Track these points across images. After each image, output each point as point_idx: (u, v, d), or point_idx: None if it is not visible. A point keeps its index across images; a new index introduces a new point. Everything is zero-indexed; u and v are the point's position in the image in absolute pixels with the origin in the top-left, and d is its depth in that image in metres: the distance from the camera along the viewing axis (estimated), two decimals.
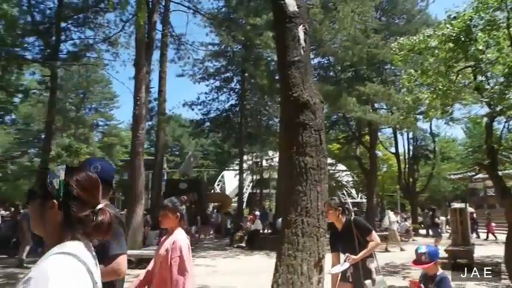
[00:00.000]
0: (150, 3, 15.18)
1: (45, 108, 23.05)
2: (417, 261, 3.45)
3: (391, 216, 16.09)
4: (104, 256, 1.93)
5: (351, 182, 36.11)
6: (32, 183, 37.61)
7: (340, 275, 4.12)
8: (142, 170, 13.11)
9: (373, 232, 4.05)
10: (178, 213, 3.02)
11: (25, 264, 10.16)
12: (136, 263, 9.79)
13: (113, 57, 19.43)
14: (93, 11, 17.78)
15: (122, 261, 2.20)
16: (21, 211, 13.08)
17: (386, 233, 15.58)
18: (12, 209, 14.63)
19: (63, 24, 17.26)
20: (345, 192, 35.63)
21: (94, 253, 1.27)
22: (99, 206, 1.23)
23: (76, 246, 1.17)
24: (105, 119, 48.31)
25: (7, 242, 12.61)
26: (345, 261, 3.97)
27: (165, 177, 29.13)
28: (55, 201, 1.19)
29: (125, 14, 17.92)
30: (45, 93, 20.43)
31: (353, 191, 37.84)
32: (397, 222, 16.53)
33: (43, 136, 35.22)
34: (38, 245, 10.17)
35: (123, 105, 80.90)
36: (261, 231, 18.32)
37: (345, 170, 33.99)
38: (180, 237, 2.93)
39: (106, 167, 2.35)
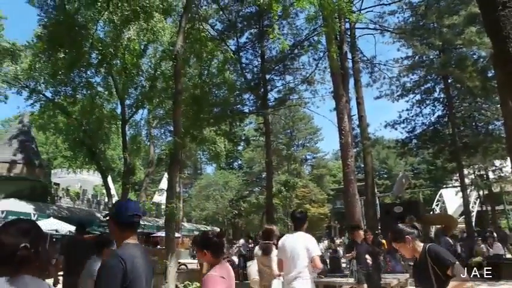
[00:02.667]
0: (338, 35, 15.88)
1: (263, 151, 26.37)
2: None
3: None
4: None
5: None
6: (259, 218, 43.07)
7: None
8: (357, 197, 13.29)
9: (456, 265, 2.96)
10: (205, 250, 2.80)
11: None
12: None
13: (311, 94, 20.96)
14: (289, 59, 19.82)
15: None
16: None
17: None
18: (251, 241, 16.90)
19: (267, 76, 19.85)
20: None
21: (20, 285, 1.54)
22: (21, 245, 1.56)
23: None
24: (312, 153, 51.73)
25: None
26: None
27: (377, 202, 28.46)
28: None
29: (317, 53, 19.24)
30: (261, 138, 23.51)
31: None
32: None
33: (263, 175, 40.50)
34: None
35: (326, 137, 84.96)
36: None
37: None
38: (210, 273, 2.70)
39: (120, 209, 2.39)
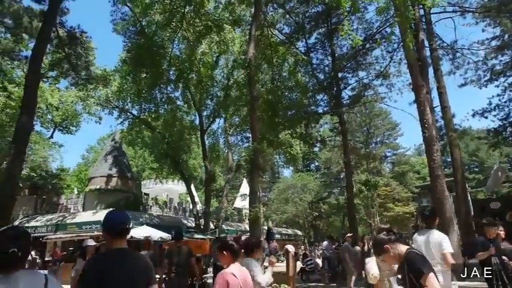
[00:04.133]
0: (412, 24, 15.04)
1: (340, 150, 25.86)
2: None
3: None
4: None
5: None
6: (340, 220, 42.12)
7: None
8: (447, 194, 12.39)
9: (430, 275, 2.80)
10: (224, 252, 3.24)
11: None
12: None
13: (387, 88, 20.01)
14: (361, 54, 19.23)
15: None
16: (342, 244, 14.66)
17: None
18: (336, 243, 16.56)
19: (340, 75, 19.46)
20: None
21: (18, 279, 2.02)
22: (10, 250, 2.01)
23: None
24: (392, 149, 49.29)
25: (335, 272, 14.46)
26: None
27: (469, 198, 26.21)
28: None
29: (391, 45, 18.41)
30: (337, 137, 23.06)
31: None
32: None
33: (342, 176, 39.60)
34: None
35: (406, 131, 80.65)
36: None
37: None
38: (225, 271, 3.12)
39: (108, 219, 2.74)
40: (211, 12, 17.67)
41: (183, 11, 15.41)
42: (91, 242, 7.35)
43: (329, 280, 14.42)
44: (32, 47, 13.57)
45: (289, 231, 41.88)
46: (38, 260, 18.32)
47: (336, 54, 19.45)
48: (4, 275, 2.02)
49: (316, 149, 34.07)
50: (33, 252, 20.67)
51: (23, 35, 17.34)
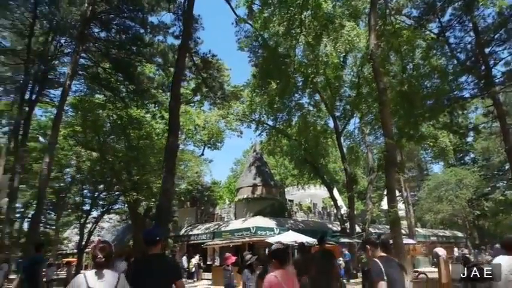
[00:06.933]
0: None
1: (499, 137, 22.29)
2: None
3: None
4: None
5: None
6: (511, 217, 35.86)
7: None
8: None
9: (379, 284, 3.31)
10: (273, 259, 3.72)
11: None
12: None
13: None
14: None
15: None
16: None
17: None
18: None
19: (486, 50, 16.84)
20: None
21: (104, 274, 3.16)
22: (99, 256, 3.22)
23: (89, 271, 3.21)
24: None
25: None
26: None
27: None
28: None
29: None
30: (494, 123, 19.94)
31: None
32: None
33: (506, 167, 33.82)
34: None
35: None
36: None
37: None
38: (269, 274, 3.61)
39: (145, 233, 3.88)
40: (329, 11, 17.42)
41: (301, 17, 15.60)
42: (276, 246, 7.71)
43: None
44: (172, 76, 15.48)
45: (447, 232, 37.75)
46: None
47: (479, 28, 16.89)
48: (97, 271, 3.17)
49: (469, 138, 30.15)
50: (197, 257, 23.50)
51: (170, 69, 19.95)
